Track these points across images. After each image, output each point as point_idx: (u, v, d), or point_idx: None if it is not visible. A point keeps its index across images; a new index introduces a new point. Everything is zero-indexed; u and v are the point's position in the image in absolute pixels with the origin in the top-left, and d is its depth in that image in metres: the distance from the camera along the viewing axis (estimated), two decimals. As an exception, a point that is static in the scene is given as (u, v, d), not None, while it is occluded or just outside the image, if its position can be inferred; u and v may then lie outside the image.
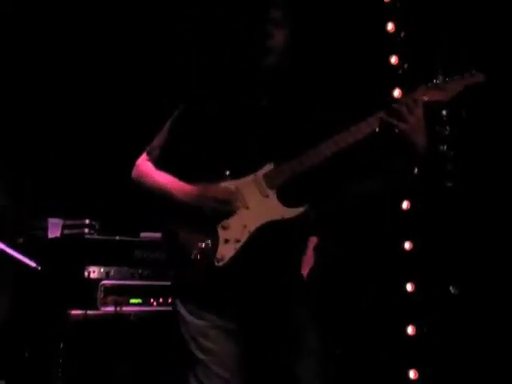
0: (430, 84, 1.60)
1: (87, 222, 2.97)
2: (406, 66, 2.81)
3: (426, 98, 1.56)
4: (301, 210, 1.52)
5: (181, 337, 1.57)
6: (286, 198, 1.54)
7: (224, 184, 1.56)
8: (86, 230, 2.95)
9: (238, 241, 1.51)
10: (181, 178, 1.57)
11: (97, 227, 2.99)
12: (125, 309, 2.82)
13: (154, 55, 3.37)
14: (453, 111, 2.76)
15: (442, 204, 2.60)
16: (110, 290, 2.81)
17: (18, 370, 2.87)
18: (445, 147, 2.65)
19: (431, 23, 2.80)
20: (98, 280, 2.80)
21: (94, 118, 3.39)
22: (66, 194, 3.28)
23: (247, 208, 1.53)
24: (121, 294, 2.82)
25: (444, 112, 2.77)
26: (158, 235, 2.91)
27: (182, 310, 1.56)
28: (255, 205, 1.53)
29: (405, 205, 2.66)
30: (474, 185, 2.58)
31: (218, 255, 1.50)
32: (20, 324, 2.92)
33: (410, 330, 2.48)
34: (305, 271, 2.69)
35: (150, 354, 2.84)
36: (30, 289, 2.81)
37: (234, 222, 1.53)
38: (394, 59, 2.83)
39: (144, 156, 1.67)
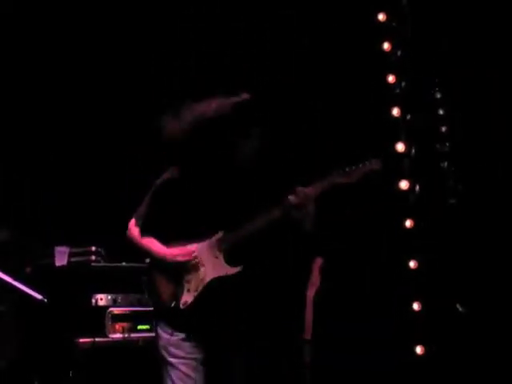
0: (338, 171, 1.99)
1: (93, 249, 2.99)
2: (403, 84, 2.83)
3: (317, 193, 1.98)
4: (237, 269, 2.05)
5: (158, 349, 2.08)
6: (231, 258, 2.06)
7: (188, 247, 2.09)
8: (93, 257, 2.97)
9: (195, 290, 2.06)
10: (160, 239, 2.11)
11: (103, 254, 3.01)
12: (133, 335, 2.84)
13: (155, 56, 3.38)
14: (452, 127, 2.78)
15: (446, 221, 2.60)
16: (117, 317, 2.83)
17: (29, 400, 2.87)
18: (445, 164, 2.66)
19: (428, 39, 2.83)
20: (105, 307, 2.82)
21: (99, 146, 3.42)
22: (72, 222, 3.31)
23: (203, 266, 2.07)
24: (128, 320, 2.84)
25: (443, 129, 2.79)
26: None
27: (159, 329, 2.08)
28: (209, 264, 2.07)
29: (408, 223, 2.67)
30: (477, 200, 2.59)
31: (182, 301, 2.05)
32: (29, 353, 2.93)
33: (419, 350, 2.47)
34: (311, 292, 2.70)
35: (158, 379, 2.83)
36: (38, 319, 2.82)
37: (193, 277, 2.08)
38: (391, 78, 2.86)
39: (133, 221, 2.21)
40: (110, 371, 2.76)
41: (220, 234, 2.08)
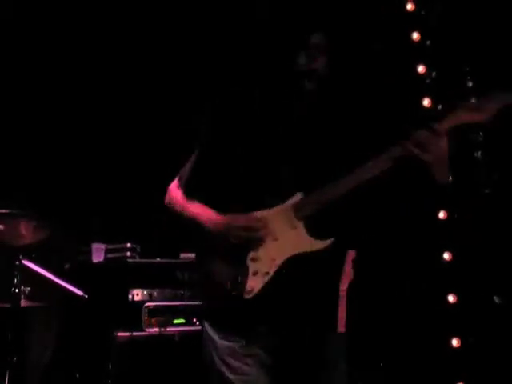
0: (462, 104, 1.54)
1: (129, 245, 3.06)
2: (434, 74, 2.79)
3: (450, 125, 1.52)
4: (328, 242, 1.51)
5: (209, 356, 1.61)
6: (314, 230, 1.52)
7: (254, 214, 1.54)
8: (128, 254, 3.04)
9: (266, 273, 1.51)
10: (212, 204, 1.57)
11: (138, 250, 3.08)
12: (169, 329, 2.89)
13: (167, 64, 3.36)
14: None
15: (480, 212, 2.56)
16: (153, 312, 2.88)
17: (70, 391, 2.97)
18: (479, 153, 2.61)
19: (457, 29, 2.78)
20: (141, 302, 2.88)
21: (132, 145, 3.47)
22: (107, 219, 3.39)
23: (276, 240, 1.52)
24: (164, 315, 2.89)
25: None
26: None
27: (211, 332, 1.59)
28: (283, 237, 1.52)
29: (442, 215, 2.63)
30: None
31: (248, 287, 1.51)
32: (70, 347, 3.02)
33: (455, 342, 2.45)
34: (344, 285, 2.70)
35: (194, 373, 2.88)
36: (78, 313, 2.91)
37: (262, 254, 1.52)
38: (421, 68, 2.82)
39: (175, 182, 1.67)
40: (148, 364, 2.83)
41: (298, 197, 1.51)
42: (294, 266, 1.51)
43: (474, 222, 2.54)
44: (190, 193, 1.61)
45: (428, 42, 2.82)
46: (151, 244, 3.14)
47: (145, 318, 2.86)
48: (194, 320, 2.94)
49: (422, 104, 2.76)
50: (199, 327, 2.95)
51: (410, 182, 1.54)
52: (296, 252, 1.51)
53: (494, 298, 2.34)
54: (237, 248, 1.53)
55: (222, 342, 1.57)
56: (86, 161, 3.42)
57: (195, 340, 2.92)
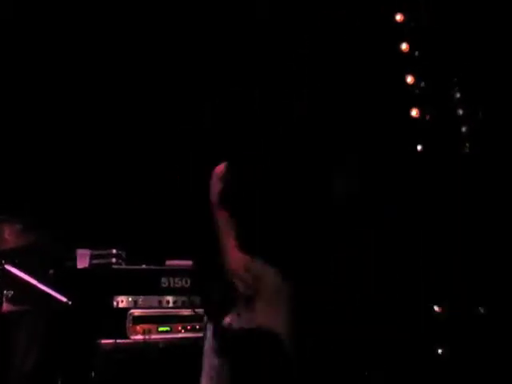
0: None
1: (114, 251, 3.03)
2: (422, 84, 2.81)
3: None
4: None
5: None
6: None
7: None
8: (114, 260, 3.01)
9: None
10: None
11: (124, 256, 3.05)
12: (154, 337, 2.86)
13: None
14: (472, 128, 2.74)
15: (469, 225, 2.57)
16: (138, 319, 2.85)
17: (52, 399, 2.92)
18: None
19: (446, 40, 2.80)
20: (126, 309, 2.85)
21: (120, 150, 3.45)
22: (93, 224, 3.36)
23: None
24: (149, 322, 2.87)
25: (463, 129, 2.76)
26: (183, 263, 2.96)
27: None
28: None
29: (431, 228, 2.64)
30: (500, 201, 2.55)
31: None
32: (53, 353, 2.98)
33: (440, 352, 2.45)
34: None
35: (178, 380, 2.86)
36: (62, 320, 2.87)
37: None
38: (410, 79, 2.84)
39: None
40: (132, 372, 2.79)
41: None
42: None
43: (462, 236, 2.55)
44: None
45: (416, 53, 2.84)
46: (137, 250, 3.11)
47: (129, 325, 2.83)
48: (179, 328, 2.92)
49: (410, 114, 2.78)
50: (185, 334, 2.94)
51: None
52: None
53: (479, 307, 2.35)
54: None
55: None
56: (72, 166, 3.39)
57: (180, 348, 2.92)
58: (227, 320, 1.77)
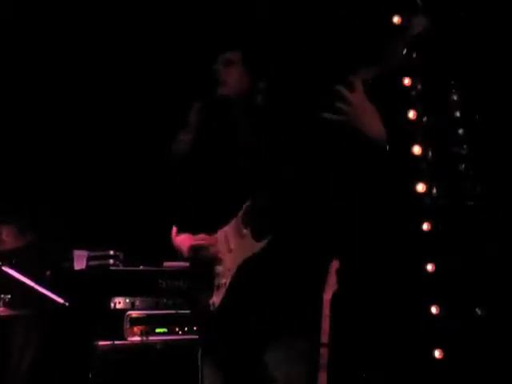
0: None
1: (112, 252, 3.03)
2: (419, 86, 2.81)
3: (366, 75, 1.48)
4: (263, 242, 1.57)
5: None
6: (256, 233, 1.59)
7: (215, 235, 1.67)
8: (111, 261, 3.01)
9: (224, 284, 1.61)
10: (193, 232, 1.70)
11: (121, 257, 3.05)
12: (151, 338, 2.86)
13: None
14: (469, 130, 2.75)
15: (464, 224, 2.58)
16: (135, 320, 2.86)
17: (49, 401, 2.92)
18: (463, 166, 2.64)
19: (443, 42, 2.81)
20: (123, 310, 2.85)
21: (117, 150, 3.45)
22: (90, 226, 3.35)
23: (230, 251, 1.62)
24: (146, 323, 2.87)
25: (460, 131, 2.77)
26: (180, 264, 2.95)
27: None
28: (235, 246, 1.62)
29: (425, 226, 2.65)
30: (496, 202, 2.56)
31: (212, 301, 1.63)
32: (50, 355, 2.97)
33: (437, 353, 2.46)
34: (328, 295, 2.70)
35: (176, 381, 2.86)
36: (59, 321, 2.87)
37: (222, 268, 1.64)
38: (407, 81, 2.84)
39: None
40: (129, 373, 2.79)
41: (246, 206, 1.60)
42: (243, 272, 1.59)
43: (458, 233, 2.56)
44: (178, 228, 1.79)
45: (414, 55, 2.85)
46: (134, 252, 3.11)
47: (127, 326, 2.83)
48: (177, 329, 2.92)
49: (407, 116, 2.78)
50: (181, 336, 2.94)
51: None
52: (242, 258, 1.59)
53: (476, 309, 2.36)
54: (209, 267, 1.65)
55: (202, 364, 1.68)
56: (69, 167, 3.39)
57: (177, 349, 2.92)
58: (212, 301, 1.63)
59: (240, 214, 1.62)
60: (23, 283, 2.57)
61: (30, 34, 3.27)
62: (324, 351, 2.49)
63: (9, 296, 2.29)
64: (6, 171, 3.25)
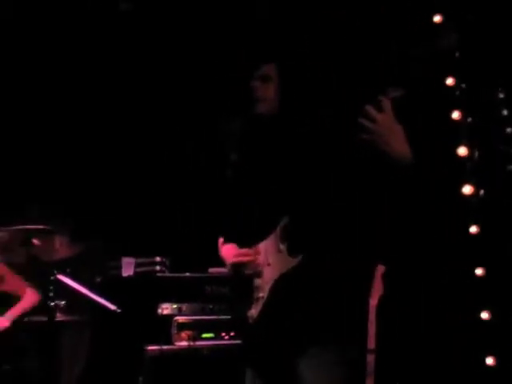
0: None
1: (158, 259, 3.10)
2: (463, 86, 2.75)
3: (394, 94, 1.50)
4: (297, 259, 1.61)
5: None
6: (292, 249, 1.63)
7: (257, 247, 1.71)
8: (158, 268, 3.08)
9: (262, 298, 1.66)
10: (234, 242, 1.77)
11: (167, 264, 3.11)
12: (198, 343, 2.91)
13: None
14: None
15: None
16: (182, 326, 2.90)
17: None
18: (511, 167, 2.56)
19: (488, 39, 2.74)
20: (171, 316, 2.91)
21: (161, 162, 3.49)
22: (137, 233, 3.43)
23: (268, 265, 1.67)
24: (193, 329, 2.91)
25: (508, 130, 2.68)
26: (225, 270, 2.99)
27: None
28: (273, 261, 1.66)
29: (473, 229, 2.58)
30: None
31: (250, 313, 1.68)
32: (101, 360, 3.07)
33: (491, 361, 2.39)
34: (374, 300, 2.66)
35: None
36: (110, 327, 2.96)
37: (261, 281, 1.69)
38: (450, 80, 2.78)
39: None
40: (177, 377, 2.85)
41: (283, 221, 1.63)
42: (280, 286, 1.64)
43: (507, 235, 2.48)
44: (224, 239, 1.83)
45: (457, 54, 2.78)
46: (180, 258, 3.17)
47: (174, 331, 2.88)
48: (223, 334, 2.95)
49: (451, 117, 2.72)
50: (228, 341, 2.96)
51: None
52: (279, 273, 1.64)
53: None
54: (250, 280, 1.70)
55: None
56: (118, 179, 3.47)
57: (224, 354, 2.95)
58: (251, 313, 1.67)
59: (278, 228, 1.66)
60: (77, 290, 2.67)
61: (30, 34, 3.27)
62: (371, 357, 2.46)
63: (63, 302, 2.39)
64: (56, 184, 3.38)
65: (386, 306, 2.48)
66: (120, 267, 3.16)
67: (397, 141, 1.48)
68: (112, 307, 2.65)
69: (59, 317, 2.43)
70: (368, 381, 2.35)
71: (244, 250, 1.71)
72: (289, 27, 2.87)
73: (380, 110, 1.49)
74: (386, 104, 1.50)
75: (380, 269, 2.58)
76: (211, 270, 3.06)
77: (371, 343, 2.60)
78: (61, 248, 2.55)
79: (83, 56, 3.38)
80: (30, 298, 2.93)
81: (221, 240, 1.85)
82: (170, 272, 3.09)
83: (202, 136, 3.38)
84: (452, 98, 2.74)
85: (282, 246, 1.63)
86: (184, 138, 3.46)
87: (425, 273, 2.62)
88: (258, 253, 1.69)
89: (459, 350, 2.47)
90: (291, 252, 1.61)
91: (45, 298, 2.40)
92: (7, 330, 2.62)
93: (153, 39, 3.38)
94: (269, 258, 1.66)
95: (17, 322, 2.68)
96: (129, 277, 3.12)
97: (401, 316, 2.65)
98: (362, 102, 1.53)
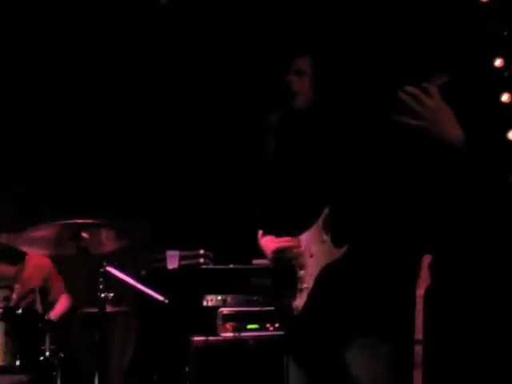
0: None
1: (202, 252, 3.13)
2: (512, 67, 2.64)
3: (439, 82, 1.48)
4: (342, 249, 1.61)
5: None
6: (336, 240, 1.63)
7: (299, 238, 1.71)
8: (201, 260, 3.12)
9: (307, 289, 1.66)
10: (277, 235, 1.76)
11: (211, 256, 3.14)
12: (243, 334, 2.92)
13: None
14: None
15: None
16: (228, 317, 2.93)
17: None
18: None
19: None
20: (215, 308, 2.94)
21: (205, 155, 3.49)
22: (180, 227, 3.48)
23: (311, 256, 1.67)
24: (238, 320, 2.94)
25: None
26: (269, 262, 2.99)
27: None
28: (316, 252, 1.66)
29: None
30: None
31: (294, 305, 1.68)
32: (149, 350, 3.14)
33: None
34: (421, 290, 2.61)
35: (267, 376, 2.91)
36: (156, 318, 3.02)
37: (304, 272, 1.69)
38: (498, 62, 2.68)
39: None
40: (223, 368, 2.88)
41: (326, 212, 1.63)
42: (325, 277, 1.64)
43: None
44: (264, 231, 1.85)
45: (505, 33, 2.67)
46: (223, 251, 3.19)
47: (219, 323, 2.91)
48: (268, 325, 2.96)
49: (500, 99, 2.62)
50: (273, 332, 2.97)
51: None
52: (323, 264, 1.64)
53: None
54: (293, 271, 1.71)
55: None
56: (162, 173, 3.50)
57: (269, 345, 2.96)
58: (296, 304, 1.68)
59: (320, 219, 1.66)
60: (126, 282, 2.74)
61: (30, 34, 3.27)
62: (418, 348, 2.42)
63: (112, 294, 2.46)
64: (103, 179, 3.46)
65: (434, 296, 2.43)
66: (164, 260, 3.21)
67: (449, 124, 1.46)
68: (160, 298, 2.70)
69: (109, 308, 2.49)
70: (416, 372, 2.32)
71: (285, 238, 1.71)
72: (319, 19, 2.84)
73: (428, 95, 1.47)
74: (433, 90, 1.48)
75: (427, 258, 2.53)
76: (255, 261, 3.07)
77: (419, 334, 2.55)
78: (107, 241, 2.61)
79: (85, 56, 3.41)
80: (65, 302, 3.04)
81: (260, 232, 1.86)
82: (214, 264, 3.12)
83: (239, 129, 3.39)
84: (501, 80, 2.64)
85: (325, 237, 1.63)
86: (223, 132, 3.47)
87: (472, 261, 2.55)
88: (298, 243, 1.69)
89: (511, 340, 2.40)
90: (335, 243, 1.61)
91: (95, 290, 2.46)
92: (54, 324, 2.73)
93: (153, 39, 3.39)
94: (311, 249, 1.66)
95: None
96: (174, 269, 3.17)
97: (449, 306, 2.59)
98: (401, 91, 1.50)
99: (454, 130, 1.48)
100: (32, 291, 2.99)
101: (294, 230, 1.72)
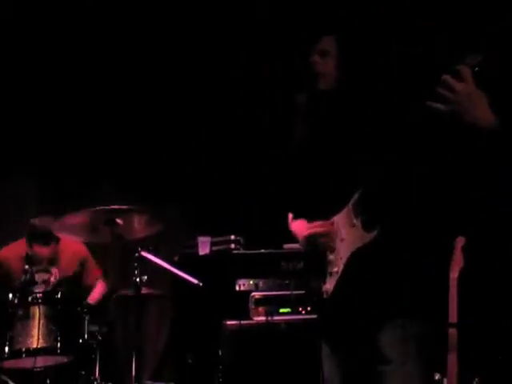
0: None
1: (233, 237, 3.17)
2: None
3: (473, 62, 1.44)
4: (373, 234, 1.60)
5: None
6: (367, 224, 1.62)
7: (329, 221, 1.71)
8: (233, 245, 3.15)
9: (337, 273, 1.67)
10: (308, 218, 1.77)
11: (242, 242, 3.17)
12: (275, 318, 2.95)
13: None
14: None
15: None
16: (260, 301, 2.96)
17: (184, 375, 3.16)
18: None
19: None
20: (248, 292, 2.98)
21: (235, 141, 3.51)
22: (211, 212, 3.52)
23: (342, 240, 1.67)
24: (270, 304, 2.96)
25: None
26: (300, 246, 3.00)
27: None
28: (347, 236, 1.66)
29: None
30: None
31: (324, 288, 1.69)
32: (183, 334, 3.20)
33: None
34: (455, 273, 2.57)
35: (299, 359, 2.93)
36: (190, 302, 3.07)
37: (334, 256, 1.69)
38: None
39: None
40: (256, 351, 2.92)
41: (356, 196, 1.63)
42: (356, 261, 1.64)
43: None
44: (294, 214, 1.85)
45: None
46: (254, 235, 3.22)
47: (252, 307, 2.95)
48: (300, 309, 2.98)
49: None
50: (305, 316, 2.99)
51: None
52: (354, 248, 1.63)
53: None
54: (323, 254, 1.71)
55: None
56: (192, 161, 3.54)
57: (301, 328, 2.99)
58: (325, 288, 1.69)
59: (351, 203, 1.65)
60: (160, 266, 2.79)
61: (30, 34, 3.29)
62: (453, 332, 2.39)
63: (146, 277, 2.52)
64: (137, 165, 3.52)
65: (468, 279, 2.39)
66: (196, 246, 3.25)
67: (480, 109, 1.44)
68: (194, 281, 2.75)
69: (144, 290, 2.55)
70: (451, 355, 2.30)
71: (318, 222, 1.71)
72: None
73: (460, 79, 1.44)
74: (466, 72, 1.44)
75: (460, 241, 2.49)
76: (286, 245, 3.08)
77: (453, 317, 2.52)
78: (139, 227, 2.66)
79: (85, 55, 3.43)
80: (102, 287, 3.12)
81: (290, 216, 1.86)
82: (245, 249, 3.15)
83: (272, 117, 3.39)
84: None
85: (355, 221, 1.62)
86: (255, 121, 3.47)
87: (506, 244, 2.50)
88: (330, 227, 1.69)
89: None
90: (366, 226, 1.60)
91: (130, 275, 2.53)
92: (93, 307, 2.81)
93: (154, 37, 3.40)
94: (342, 233, 1.66)
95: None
96: (205, 255, 3.21)
97: (483, 289, 2.56)
98: (430, 73, 1.52)
99: (484, 115, 1.45)
100: (69, 278, 3.09)
101: (325, 214, 1.71)
